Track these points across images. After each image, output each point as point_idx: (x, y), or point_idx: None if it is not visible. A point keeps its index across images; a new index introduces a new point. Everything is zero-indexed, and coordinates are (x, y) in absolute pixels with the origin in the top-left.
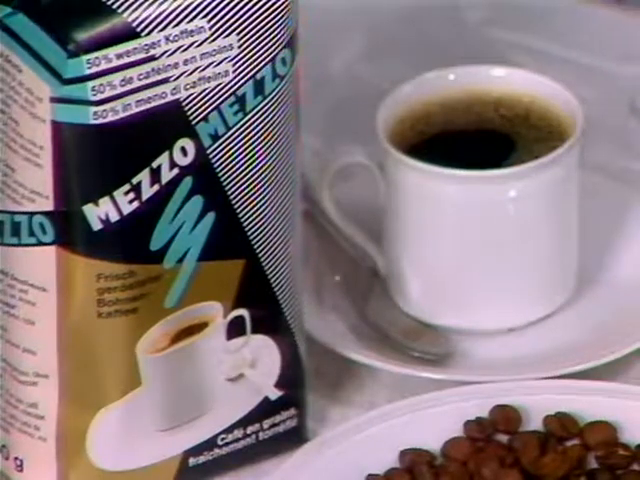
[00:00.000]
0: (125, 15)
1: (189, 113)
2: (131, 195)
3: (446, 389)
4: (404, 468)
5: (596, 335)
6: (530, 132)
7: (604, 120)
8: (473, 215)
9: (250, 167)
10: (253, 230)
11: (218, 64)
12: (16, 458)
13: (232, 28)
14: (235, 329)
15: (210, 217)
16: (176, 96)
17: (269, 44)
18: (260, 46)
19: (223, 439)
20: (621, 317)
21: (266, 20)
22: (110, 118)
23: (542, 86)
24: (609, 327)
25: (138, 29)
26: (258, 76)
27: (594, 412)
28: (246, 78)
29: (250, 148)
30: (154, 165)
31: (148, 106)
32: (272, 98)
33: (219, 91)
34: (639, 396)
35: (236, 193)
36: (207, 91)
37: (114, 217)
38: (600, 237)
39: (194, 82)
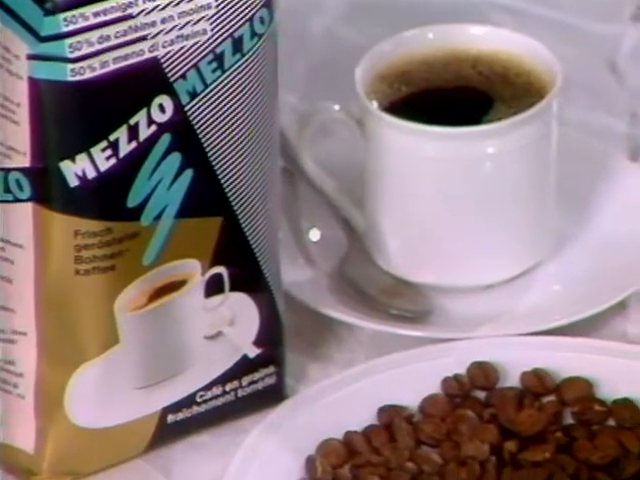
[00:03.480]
0: None
1: (167, 71)
2: (108, 152)
3: (424, 346)
4: (382, 425)
5: (573, 292)
6: (508, 89)
7: (583, 78)
8: (451, 172)
9: (228, 125)
10: (231, 187)
11: (196, 23)
12: None
13: None
14: (213, 287)
15: (188, 174)
16: (154, 54)
17: (247, 3)
18: (238, 5)
19: (202, 396)
20: (598, 274)
21: None
22: (87, 75)
23: (520, 44)
24: (586, 284)
25: None
26: (236, 35)
27: (570, 368)
28: (224, 37)
29: (229, 106)
30: (131, 122)
31: (126, 63)
32: (250, 56)
33: (197, 49)
34: (615, 352)
35: (214, 150)
36: (185, 49)
37: (91, 174)
38: (578, 194)
39: (172, 40)
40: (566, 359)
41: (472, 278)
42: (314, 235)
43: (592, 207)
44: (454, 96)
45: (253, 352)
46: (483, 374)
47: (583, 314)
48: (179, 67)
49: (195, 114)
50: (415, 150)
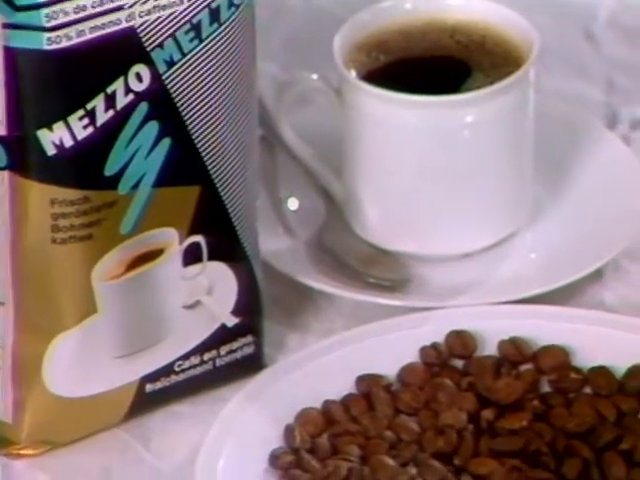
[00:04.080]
0: None
1: (144, 40)
2: (85, 120)
3: (402, 315)
4: (361, 394)
5: (550, 260)
6: (486, 58)
7: (559, 47)
8: (430, 141)
9: (206, 94)
10: (209, 156)
11: None
12: None
13: None
14: (191, 256)
15: (166, 143)
16: (130, 23)
17: None
18: None
19: (180, 366)
20: (575, 242)
21: None
22: (64, 44)
23: (498, 13)
24: (563, 252)
25: None
26: (213, 5)
27: (547, 336)
28: (201, 6)
29: (206, 75)
30: (109, 91)
31: (102, 33)
32: (228, 26)
33: (174, 19)
34: (592, 320)
35: (192, 119)
36: (162, 19)
37: (68, 142)
38: (555, 162)
39: (148, 10)
40: (543, 327)
41: (450, 247)
42: (292, 204)
43: (569, 175)
44: (432, 65)
45: (231, 321)
46: (461, 343)
47: (560, 282)
48: (156, 36)
49: (173, 83)
50: (393, 119)
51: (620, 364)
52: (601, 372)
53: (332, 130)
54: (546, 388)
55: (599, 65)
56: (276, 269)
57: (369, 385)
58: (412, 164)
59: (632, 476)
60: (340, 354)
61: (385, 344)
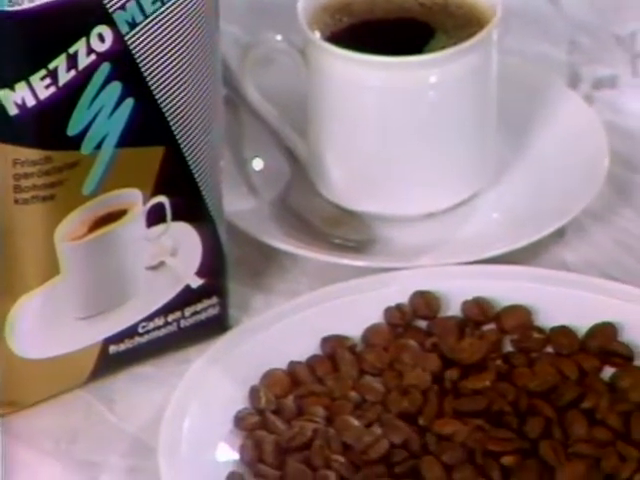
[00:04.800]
0: None
1: (106, 1)
2: (47, 80)
3: (367, 276)
4: (325, 355)
5: (513, 220)
6: (449, 20)
7: (522, 8)
8: (394, 101)
9: (169, 54)
10: (173, 117)
11: None
12: None
13: None
14: (155, 217)
15: (128, 103)
16: None
17: None
18: None
19: (144, 327)
20: (537, 202)
21: None
22: (26, 5)
23: None
24: (526, 212)
25: None
26: None
27: (510, 296)
28: None
29: (169, 36)
30: (71, 51)
31: None
32: None
33: None
34: (554, 280)
35: (155, 80)
36: None
37: (30, 102)
38: (518, 122)
39: None
40: (506, 287)
41: (414, 207)
42: (257, 164)
43: (532, 135)
44: (395, 27)
45: (196, 282)
46: (425, 303)
47: (523, 242)
48: None
49: (135, 44)
50: (357, 80)
51: (582, 323)
52: (563, 331)
53: (296, 91)
54: (509, 348)
55: (561, 25)
56: (241, 230)
57: (334, 346)
58: (376, 125)
59: (593, 434)
60: (305, 315)
61: (350, 305)
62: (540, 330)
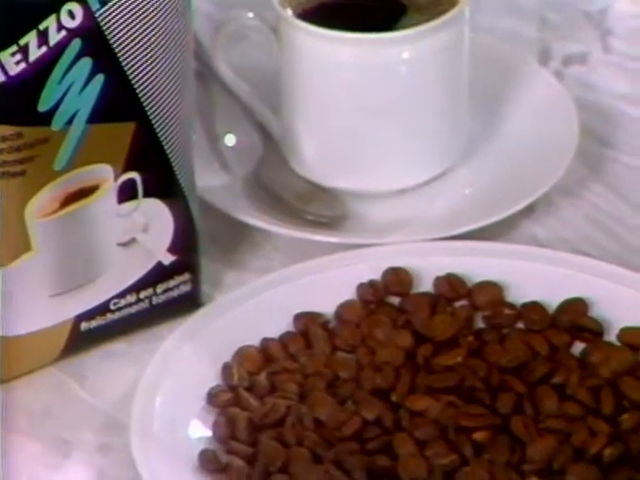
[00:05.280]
0: None
1: None
2: (18, 56)
3: (339, 252)
4: (298, 331)
5: (484, 196)
6: None
7: None
8: (366, 77)
9: (140, 31)
10: (144, 93)
11: None
12: None
13: None
14: (126, 193)
15: (99, 79)
16: None
17: None
18: None
19: (115, 304)
20: (508, 177)
21: None
22: None
23: None
24: (497, 187)
25: None
26: None
27: (482, 272)
28: None
29: (140, 12)
30: (41, 27)
31: None
32: None
33: None
34: (524, 255)
35: (126, 56)
36: None
37: (0, 78)
38: (489, 99)
39: None
40: (477, 264)
41: (386, 183)
42: (229, 140)
43: (503, 111)
44: (368, 4)
45: (167, 259)
46: (397, 280)
47: (494, 218)
48: None
49: (106, 20)
50: (329, 56)
51: (552, 299)
52: (534, 307)
53: (269, 67)
54: (481, 324)
55: (532, 3)
56: (213, 206)
57: (307, 323)
58: (348, 101)
59: (564, 409)
60: (277, 292)
61: (322, 281)
62: (511, 306)
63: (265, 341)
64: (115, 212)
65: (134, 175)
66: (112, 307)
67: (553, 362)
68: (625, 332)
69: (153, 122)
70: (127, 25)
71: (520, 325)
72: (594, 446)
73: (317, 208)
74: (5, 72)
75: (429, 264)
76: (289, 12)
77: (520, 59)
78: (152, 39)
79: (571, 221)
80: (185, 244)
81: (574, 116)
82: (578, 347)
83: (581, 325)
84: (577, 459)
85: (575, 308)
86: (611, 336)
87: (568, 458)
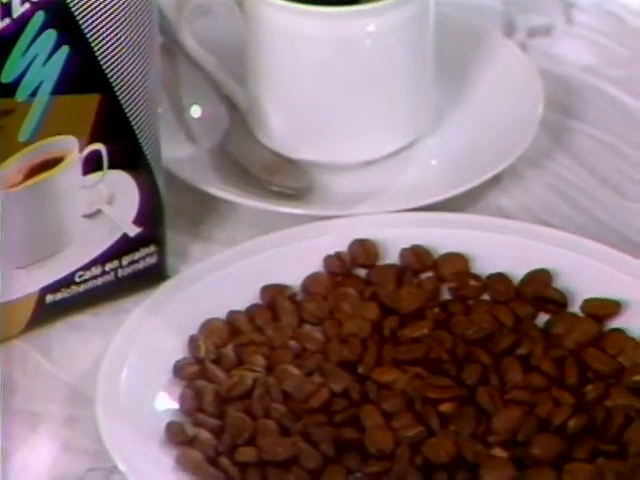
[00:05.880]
0: None
1: None
2: None
3: (306, 224)
4: (265, 304)
5: (451, 167)
6: None
7: None
8: (332, 50)
9: (105, 3)
10: (108, 64)
11: None
12: None
13: None
14: (92, 164)
15: (64, 51)
16: None
17: None
18: None
19: (81, 276)
20: (474, 149)
21: None
22: None
23: None
24: (463, 159)
25: None
26: None
27: (447, 244)
28: None
29: None
30: (4, 0)
31: None
32: None
33: None
34: (490, 227)
35: (90, 28)
36: None
37: None
38: (455, 71)
39: None
40: (443, 235)
41: (353, 154)
42: (195, 112)
43: (469, 83)
44: None
45: (133, 231)
46: (364, 251)
47: (460, 189)
48: None
49: None
50: (296, 29)
51: (518, 270)
52: (499, 279)
53: (234, 39)
54: (447, 296)
55: None
56: (179, 177)
57: (273, 295)
58: (314, 73)
59: (529, 380)
60: (244, 264)
61: (289, 253)
62: (477, 278)
63: (232, 313)
64: (80, 184)
65: (99, 147)
66: (77, 279)
67: (518, 333)
68: (589, 303)
69: (118, 94)
70: None
71: (486, 296)
72: (558, 417)
73: (283, 180)
74: None
75: (395, 236)
76: None
77: (485, 31)
78: (117, 11)
79: (537, 192)
80: (151, 216)
81: (539, 87)
82: (543, 318)
83: (545, 296)
84: (542, 430)
85: (539, 279)
86: (575, 307)
87: (533, 429)
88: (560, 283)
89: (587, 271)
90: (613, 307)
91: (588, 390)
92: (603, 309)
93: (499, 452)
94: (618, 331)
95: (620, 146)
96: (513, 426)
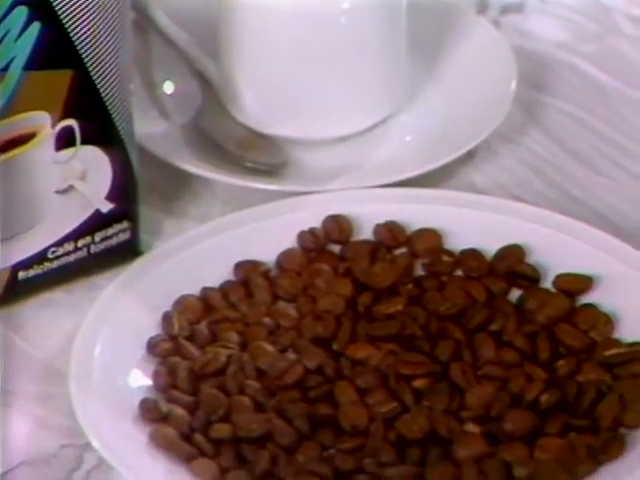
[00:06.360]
0: None
1: None
2: None
3: (280, 200)
4: (239, 280)
5: (425, 143)
6: None
7: None
8: (306, 26)
9: None
10: (80, 40)
11: None
12: None
13: None
14: (64, 140)
15: (35, 27)
16: None
17: None
18: None
19: (53, 252)
20: (448, 125)
21: None
22: None
23: None
24: (437, 135)
25: None
26: None
27: (421, 220)
28: None
29: None
30: None
31: None
32: None
33: None
34: (463, 202)
35: (62, 4)
36: None
37: None
38: (429, 47)
39: None
40: (417, 211)
41: (326, 130)
42: (168, 87)
43: (442, 59)
44: None
45: (106, 207)
46: (338, 227)
47: (434, 164)
48: None
49: None
50: (269, 5)
51: (490, 246)
52: (472, 254)
53: (207, 15)
54: (420, 272)
55: None
56: (152, 154)
57: (247, 271)
58: (288, 49)
59: (501, 356)
60: (218, 240)
61: (263, 230)
62: (450, 253)
63: (205, 290)
64: (53, 159)
65: (72, 122)
66: (50, 256)
67: (491, 309)
68: (561, 278)
69: (90, 70)
70: None
71: (459, 272)
72: (531, 392)
73: (257, 156)
74: None
75: (369, 212)
76: None
77: (458, 9)
78: None
79: (510, 168)
80: (124, 192)
81: (512, 64)
82: (515, 294)
83: (518, 272)
84: (514, 405)
85: (512, 255)
86: (548, 283)
87: (505, 404)
88: (533, 258)
89: (559, 246)
90: (585, 282)
91: (560, 365)
92: (575, 284)
93: (472, 427)
94: (590, 306)
95: (592, 121)
96: (486, 402)
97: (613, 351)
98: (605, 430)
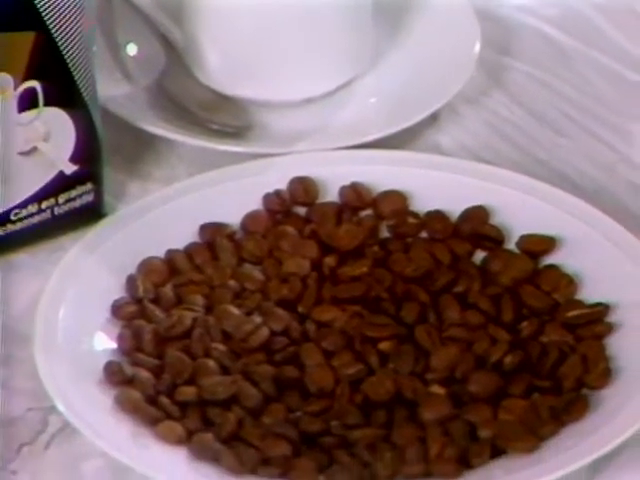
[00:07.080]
0: None
1: None
2: None
3: (245, 162)
4: (204, 243)
5: (389, 105)
6: None
7: None
8: None
9: None
10: (43, 1)
11: None
12: None
13: None
14: (27, 102)
15: None
16: None
17: None
18: None
19: (16, 214)
20: (413, 87)
21: None
22: None
23: None
24: (402, 97)
25: None
26: None
27: (386, 181)
28: None
29: None
30: None
31: None
32: None
33: None
34: (428, 164)
35: None
36: None
37: None
38: (393, 9)
39: None
40: (382, 172)
41: (291, 92)
42: (131, 49)
43: (406, 22)
44: None
45: (69, 168)
46: (303, 189)
47: (398, 126)
48: None
49: None
50: None
51: (455, 207)
52: (437, 216)
53: None
54: (386, 233)
55: None
56: (116, 115)
57: (212, 234)
58: (251, 10)
59: (466, 318)
60: (182, 202)
61: (228, 192)
62: (415, 215)
63: (170, 252)
64: (15, 121)
65: (34, 84)
66: (13, 218)
67: (455, 271)
68: (524, 239)
69: (53, 31)
70: None
71: (424, 234)
72: (495, 354)
73: (222, 118)
74: None
75: (335, 173)
76: None
77: None
78: None
79: (473, 129)
80: (87, 153)
81: (475, 26)
82: (480, 255)
83: (482, 233)
84: (479, 367)
85: (476, 216)
86: (511, 244)
87: (470, 366)
88: (497, 220)
89: (523, 208)
90: (548, 243)
91: (523, 327)
92: (538, 245)
93: (437, 389)
94: (553, 268)
95: (555, 83)
96: (451, 363)
97: (576, 312)
98: (568, 391)
